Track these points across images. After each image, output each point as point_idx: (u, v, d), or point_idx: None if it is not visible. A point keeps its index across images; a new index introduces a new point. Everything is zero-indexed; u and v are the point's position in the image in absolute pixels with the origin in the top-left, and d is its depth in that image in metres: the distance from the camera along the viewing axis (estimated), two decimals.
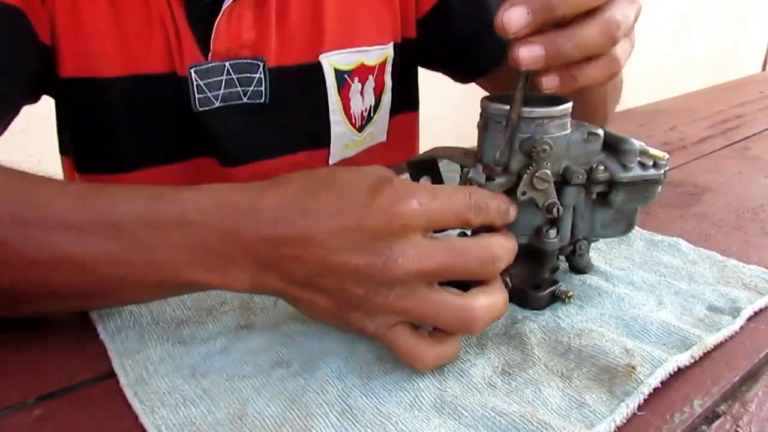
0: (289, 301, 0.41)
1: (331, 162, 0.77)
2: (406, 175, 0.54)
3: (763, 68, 3.89)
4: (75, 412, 0.37)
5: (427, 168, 0.51)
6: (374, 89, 0.77)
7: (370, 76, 0.76)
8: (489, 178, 0.41)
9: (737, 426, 0.37)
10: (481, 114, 0.44)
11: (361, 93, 0.76)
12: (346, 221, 0.36)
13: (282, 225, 0.37)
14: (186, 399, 0.37)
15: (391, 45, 0.77)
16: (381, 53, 0.76)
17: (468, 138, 0.46)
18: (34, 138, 1.43)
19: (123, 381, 0.39)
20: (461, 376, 0.39)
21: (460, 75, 0.85)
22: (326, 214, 0.37)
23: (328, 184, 0.38)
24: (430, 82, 0.91)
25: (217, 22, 0.64)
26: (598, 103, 0.70)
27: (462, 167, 0.44)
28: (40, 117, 0.63)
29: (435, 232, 0.38)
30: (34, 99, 0.66)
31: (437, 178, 0.51)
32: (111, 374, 0.40)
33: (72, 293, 0.41)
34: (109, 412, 0.37)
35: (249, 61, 0.67)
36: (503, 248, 0.38)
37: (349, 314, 0.38)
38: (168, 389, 0.38)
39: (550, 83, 0.38)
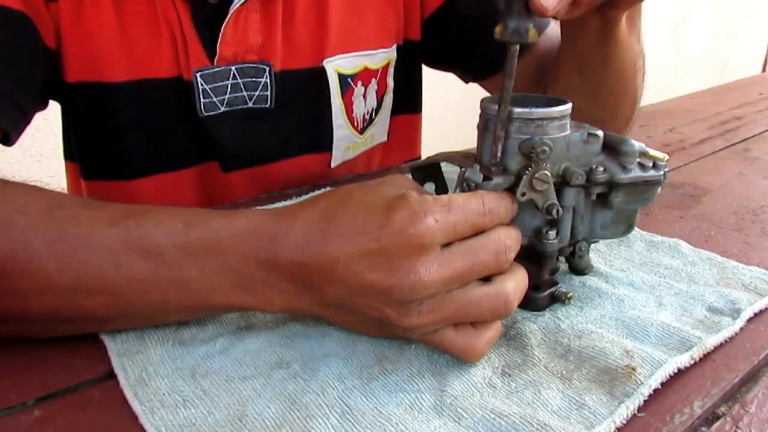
0: (326, 321, 0.42)
1: (332, 165, 0.77)
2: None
3: (763, 69, 3.90)
4: (75, 413, 0.37)
5: (431, 173, 0.51)
6: (376, 92, 0.77)
7: (373, 79, 0.76)
8: (486, 178, 0.41)
9: (737, 427, 0.37)
10: (480, 114, 0.44)
11: (364, 96, 0.76)
12: (366, 243, 0.37)
13: (310, 251, 0.38)
14: (186, 400, 0.37)
15: (394, 47, 0.77)
16: (385, 56, 0.76)
17: (469, 138, 0.46)
18: (34, 138, 1.43)
19: (123, 382, 0.39)
20: (461, 377, 0.39)
21: (470, 75, 0.83)
22: (347, 237, 0.37)
23: (345, 205, 0.39)
24: (431, 83, 0.90)
25: (224, 25, 0.63)
26: (629, 77, 0.65)
27: (461, 168, 0.44)
28: (39, 118, 0.63)
29: None
30: (43, 105, 0.66)
31: (441, 184, 0.51)
32: (111, 375, 0.40)
33: (108, 317, 0.42)
34: (109, 413, 0.37)
35: (255, 65, 0.67)
36: (511, 238, 0.39)
37: (388, 329, 0.39)
38: (168, 390, 0.38)
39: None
